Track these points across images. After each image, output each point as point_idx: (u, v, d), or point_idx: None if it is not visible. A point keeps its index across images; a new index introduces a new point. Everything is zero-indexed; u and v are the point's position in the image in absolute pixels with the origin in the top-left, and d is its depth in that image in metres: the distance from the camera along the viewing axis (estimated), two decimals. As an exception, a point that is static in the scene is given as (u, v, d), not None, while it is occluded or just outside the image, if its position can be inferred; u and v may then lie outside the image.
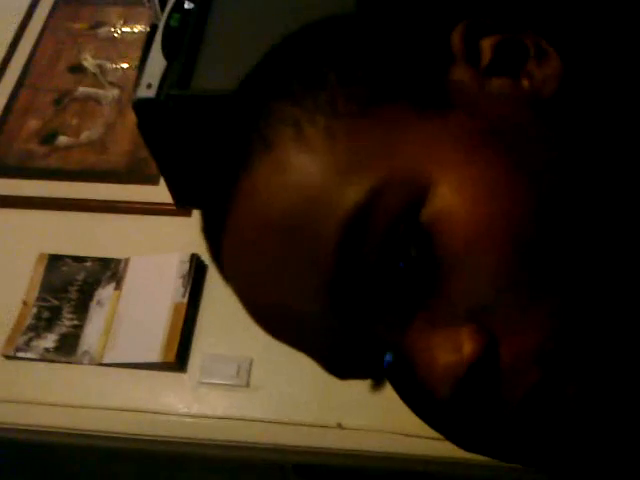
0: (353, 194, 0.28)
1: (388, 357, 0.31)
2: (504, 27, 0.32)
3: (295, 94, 0.31)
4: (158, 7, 1.03)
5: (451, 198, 0.28)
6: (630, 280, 0.28)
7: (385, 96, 0.30)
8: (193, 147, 0.75)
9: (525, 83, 0.31)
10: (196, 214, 1.00)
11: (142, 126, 0.83)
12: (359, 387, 0.85)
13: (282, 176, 0.29)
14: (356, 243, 0.28)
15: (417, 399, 0.34)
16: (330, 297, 0.29)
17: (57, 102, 1.14)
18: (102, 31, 1.21)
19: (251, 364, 0.89)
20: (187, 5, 0.86)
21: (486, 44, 0.31)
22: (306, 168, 0.29)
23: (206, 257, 0.98)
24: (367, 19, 0.37)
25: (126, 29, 1.20)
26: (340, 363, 0.33)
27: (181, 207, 0.98)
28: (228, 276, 0.34)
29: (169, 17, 0.85)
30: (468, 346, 0.27)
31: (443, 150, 0.29)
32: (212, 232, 0.35)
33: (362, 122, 0.29)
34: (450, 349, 0.28)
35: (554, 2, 0.34)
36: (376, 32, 0.33)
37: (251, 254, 0.31)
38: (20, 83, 1.17)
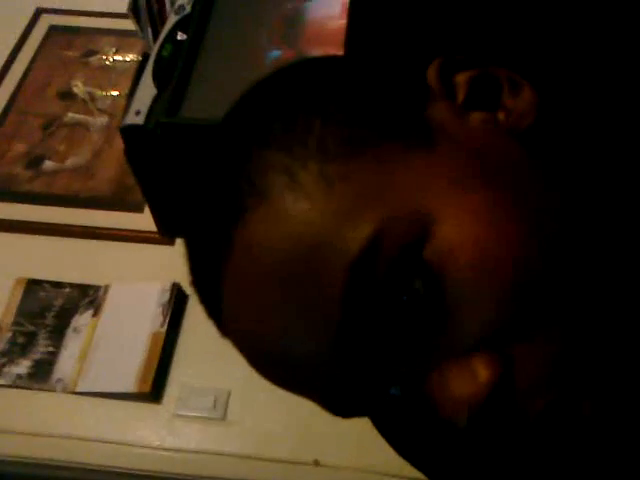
0: (356, 239, 0.28)
1: (394, 391, 0.31)
2: (476, 62, 0.32)
3: (281, 140, 0.31)
4: (151, 37, 1.05)
5: (453, 234, 0.28)
6: (632, 300, 0.29)
7: (373, 137, 0.30)
8: (180, 175, 0.76)
9: (501, 116, 0.32)
10: (179, 243, 0.99)
11: (129, 152, 0.83)
12: (337, 424, 0.84)
13: (280, 226, 0.29)
14: (362, 286, 0.28)
15: (408, 436, 0.34)
16: (337, 340, 0.29)
17: (45, 127, 1.15)
18: (94, 59, 1.22)
19: (229, 397, 0.87)
20: (180, 36, 0.87)
21: (460, 79, 0.32)
22: (305, 216, 0.29)
23: (187, 287, 0.98)
24: (343, 62, 0.37)
25: (118, 58, 1.22)
26: (344, 403, 0.33)
27: (165, 235, 0.97)
28: (229, 329, 0.34)
29: (161, 47, 0.86)
30: (483, 374, 0.28)
31: (437, 186, 0.29)
32: (206, 287, 0.34)
33: (355, 164, 0.29)
34: (466, 378, 0.28)
35: (524, 38, 0.35)
36: (354, 74, 0.34)
37: (255, 307, 0.31)
38: (9, 107, 1.17)
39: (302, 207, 0.29)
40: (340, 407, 0.33)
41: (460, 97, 0.32)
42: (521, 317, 0.28)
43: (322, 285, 0.28)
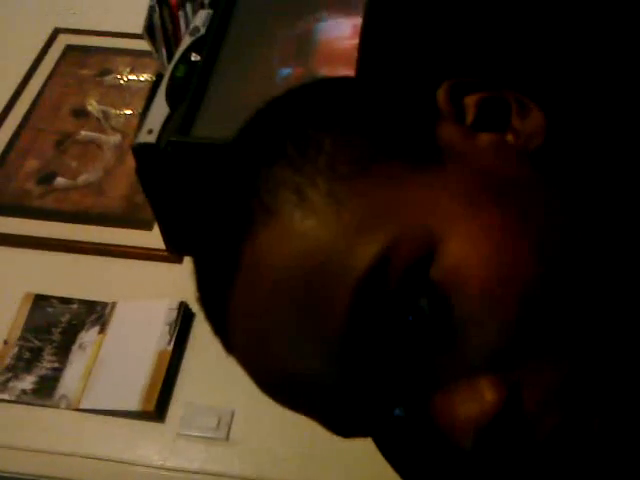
0: (364, 257, 0.28)
1: (398, 412, 0.31)
2: (485, 85, 0.33)
3: (291, 159, 0.31)
4: (165, 58, 1.06)
5: (460, 253, 0.28)
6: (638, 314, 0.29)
7: (382, 156, 0.30)
8: (190, 194, 0.76)
9: (510, 138, 0.32)
10: (187, 261, 0.99)
11: (141, 171, 0.84)
12: (341, 447, 0.83)
13: (288, 243, 0.29)
14: (368, 304, 0.28)
15: (411, 459, 0.34)
16: (342, 359, 0.29)
17: (58, 144, 1.16)
18: (109, 78, 1.24)
19: (232, 417, 0.86)
20: (193, 57, 0.88)
21: (470, 101, 0.32)
22: (313, 234, 0.29)
23: (194, 305, 0.97)
24: (355, 83, 0.38)
25: (132, 77, 1.23)
26: (347, 423, 0.32)
27: (173, 254, 0.97)
28: (234, 346, 0.34)
29: (175, 67, 0.87)
30: (490, 396, 0.28)
31: (445, 205, 0.29)
32: (213, 304, 0.34)
33: (364, 183, 0.29)
34: (472, 400, 0.28)
35: (532, 61, 0.35)
36: (365, 94, 0.34)
37: (261, 323, 0.31)
38: (23, 123, 1.19)
39: (310, 224, 0.29)
40: (343, 427, 0.33)
41: (469, 118, 0.32)
42: (529, 338, 0.28)
43: (328, 302, 0.28)
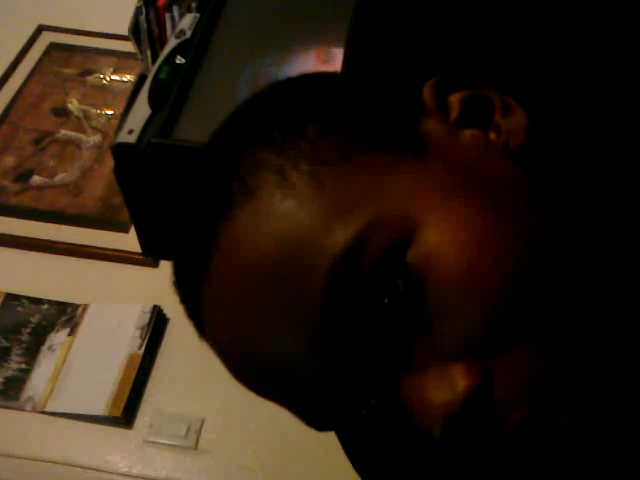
0: (341, 237, 0.28)
1: (372, 402, 0.31)
2: (470, 84, 0.33)
3: (275, 142, 0.31)
4: (150, 59, 1.05)
5: (436, 239, 0.28)
6: (614, 314, 0.29)
7: (365, 145, 0.31)
8: (168, 197, 0.75)
9: (493, 135, 0.32)
10: (163, 266, 0.98)
11: (119, 171, 0.83)
12: (309, 460, 0.82)
13: (267, 223, 0.29)
14: (344, 285, 0.28)
15: (378, 456, 0.33)
16: (318, 340, 0.29)
17: (36, 142, 1.14)
18: (91, 78, 1.23)
19: (202, 425, 0.85)
20: (178, 60, 0.88)
21: (454, 99, 0.33)
22: (292, 214, 0.29)
23: (168, 310, 0.96)
24: (342, 77, 0.38)
25: (115, 78, 1.22)
26: (320, 413, 0.32)
27: (149, 257, 0.96)
28: (208, 331, 0.33)
29: (159, 69, 0.87)
30: (462, 383, 0.28)
31: (425, 193, 0.29)
32: (189, 286, 0.33)
33: (346, 168, 0.30)
34: (444, 387, 0.28)
35: (517, 61, 0.36)
36: (352, 86, 0.35)
37: (237, 305, 0.30)
38: (2, 119, 1.17)
39: (290, 205, 0.29)
40: (317, 417, 0.32)
41: (453, 115, 0.32)
42: (503, 328, 0.28)
43: (305, 283, 0.28)
